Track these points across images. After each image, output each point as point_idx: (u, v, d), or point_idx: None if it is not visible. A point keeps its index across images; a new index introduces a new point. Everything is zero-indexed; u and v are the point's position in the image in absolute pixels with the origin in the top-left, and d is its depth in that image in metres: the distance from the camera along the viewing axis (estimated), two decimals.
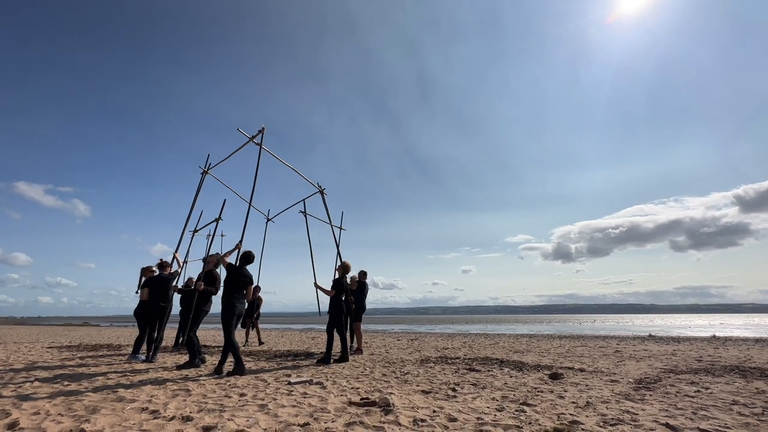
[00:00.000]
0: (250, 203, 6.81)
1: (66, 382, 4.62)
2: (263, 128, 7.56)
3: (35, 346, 10.53)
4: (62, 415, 3.14)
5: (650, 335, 16.64)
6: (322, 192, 9.58)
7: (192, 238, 10.28)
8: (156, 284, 7.11)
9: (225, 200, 9.49)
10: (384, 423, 3.00)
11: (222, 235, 13.13)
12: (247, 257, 5.84)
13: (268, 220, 11.12)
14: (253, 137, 7.58)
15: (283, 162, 8.35)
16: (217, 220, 9.00)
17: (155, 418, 3.10)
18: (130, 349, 9.39)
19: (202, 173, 8.56)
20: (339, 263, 7.77)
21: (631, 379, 5.09)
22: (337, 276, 7.52)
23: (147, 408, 3.38)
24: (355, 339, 8.81)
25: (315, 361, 6.95)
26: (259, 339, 11.24)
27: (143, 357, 6.91)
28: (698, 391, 4.34)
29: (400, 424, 2.97)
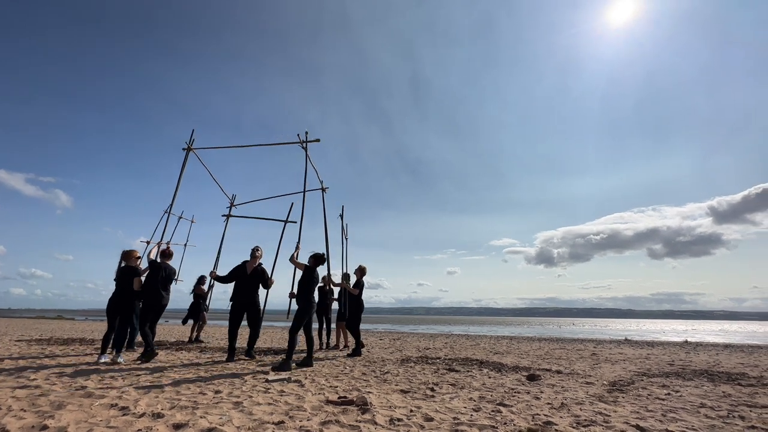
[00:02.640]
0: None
1: (32, 377, 4.45)
2: (311, 136, 8.42)
3: (2, 338, 10.12)
4: (25, 411, 3.02)
5: (626, 339, 17.08)
6: (323, 190, 9.74)
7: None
8: (158, 275, 6.14)
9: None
10: (360, 422, 2.98)
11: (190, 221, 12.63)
12: (321, 258, 6.31)
13: (232, 205, 10.41)
14: (303, 141, 8.40)
15: (312, 164, 8.74)
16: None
17: (124, 414, 3.01)
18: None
19: (186, 150, 8.27)
20: (357, 266, 8.44)
21: (605, 382, 5.20)
22: (356, 278, 8.33)
23: (116, 404, 3.27)
24: (332, 336, 9.53)
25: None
26: (198, 336, 10.04)
27: (121, 358, 5.84)
28: (669, 393, 4.46)
29: (376, 423, 2.96)
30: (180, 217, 12.19)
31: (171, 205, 7.89)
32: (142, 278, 6.27)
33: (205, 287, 10.03)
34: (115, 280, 6.32)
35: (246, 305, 6.71)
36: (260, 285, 6.93)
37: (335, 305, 9.66)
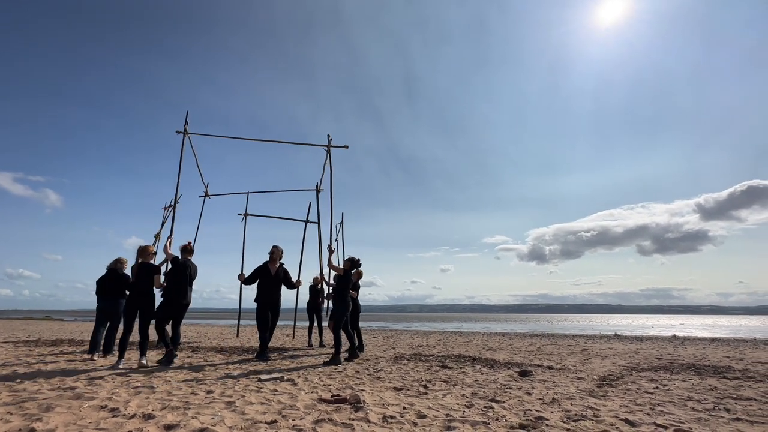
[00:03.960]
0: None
1: (19, 379, 4.37)
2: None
3: None
4: (11, 414, 2.96)
5: (616, 334, 17.34)
6: (318, 190, 9.83)
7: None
8: (183, 272, 5.80)
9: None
10: (353, 420, 2.98)
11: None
12: (356, 262, 6.84)
13: (206, 195, 9.89)
14: (328, 145, 8.73)
15: (329, 168, 8.95)
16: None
17: (114, 416, 2.97)
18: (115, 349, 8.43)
19: (183, 134, 7.92)
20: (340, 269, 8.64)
21: (595, 377, 5.28)
22: (353, 280, 8.69)
23: (106, 406, 3.23)
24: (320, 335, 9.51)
25: (288, 355, 6.98)
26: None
27: (144, 361, 5.41)
28: (657, 387, 4.54)
29: (369, 421, 2.96)
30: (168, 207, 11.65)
31: (176, 194, 7.62)
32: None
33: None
34: (132, 278, 5.87)
35: (271, 305, 6.69)
36: (283, 285, 6.96)
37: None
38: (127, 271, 6.89)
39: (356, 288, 8.38)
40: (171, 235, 6.88)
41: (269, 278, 6.74)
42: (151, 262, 6.02)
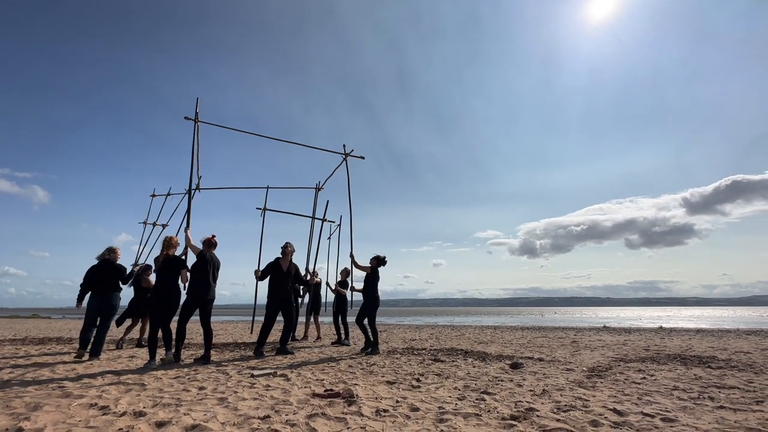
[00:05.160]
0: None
1: (6, 378, 4.30)
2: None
3: None
4: None
5: (605, 326, 17.65)
6: (317, 188, 10.01)
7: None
8: (208, 266, 5.61)
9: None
10: (346, 414, 3.00)
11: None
12: (382, 260, 7.27)
13: (197, 188, 8.87)
14: (345, 154, 8.97)
15: (347, 177, 9.11)
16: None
17: (104, 414, 2.94)
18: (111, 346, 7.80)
19: (194, 121, 7.46)
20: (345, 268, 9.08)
21: (584, 368, 5.37)
22: (341, 278, 9.12)
23: (96, 404, 3.19)
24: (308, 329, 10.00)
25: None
26: (141, 339, 8.20)
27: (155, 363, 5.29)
28: (644, 378, 4.64)
29: (362, 415, 2.98)
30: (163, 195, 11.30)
31: (190, 181, 7.29)
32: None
33: (152, 278, 7.87)
34: (157, 271, 5.56)
35: (283, 302, 6.62)
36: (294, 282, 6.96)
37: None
38: (121, 261, 6.70)
39: (345, 285, 8.71)
40: (188, 226, 6.45)
41: (280, 275, 6.66)
42: (175, 254, 5.74)
